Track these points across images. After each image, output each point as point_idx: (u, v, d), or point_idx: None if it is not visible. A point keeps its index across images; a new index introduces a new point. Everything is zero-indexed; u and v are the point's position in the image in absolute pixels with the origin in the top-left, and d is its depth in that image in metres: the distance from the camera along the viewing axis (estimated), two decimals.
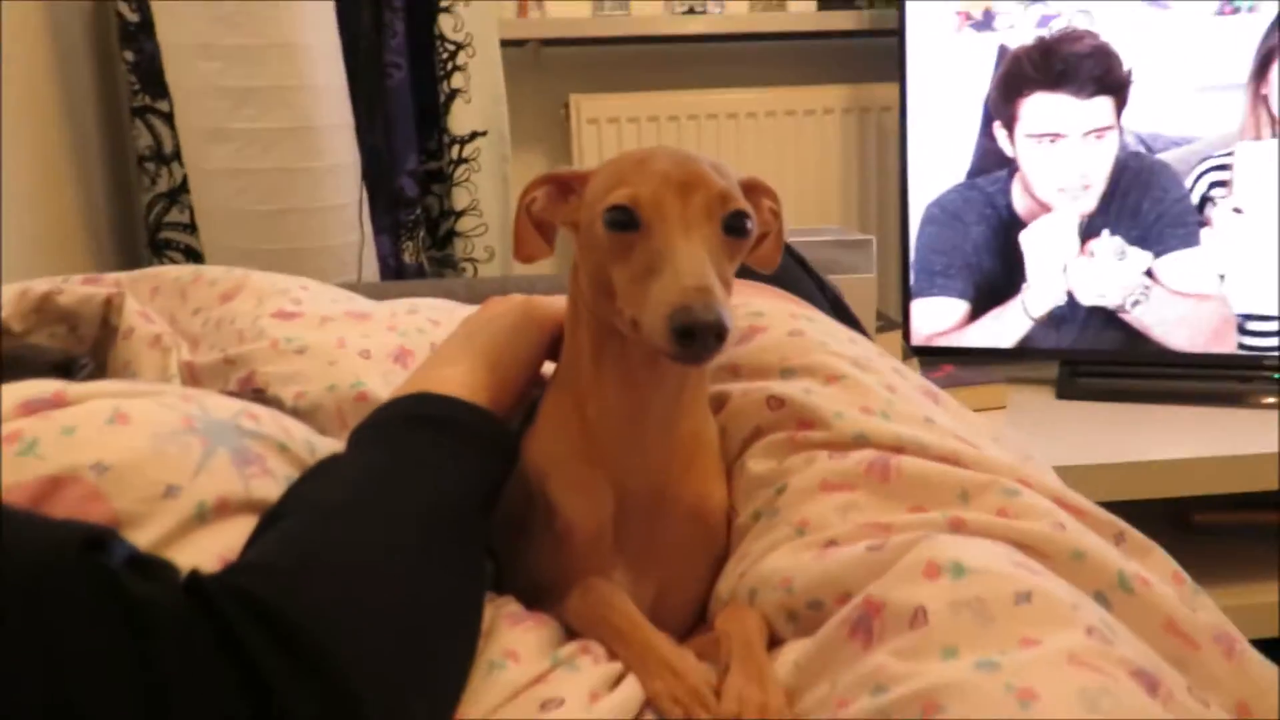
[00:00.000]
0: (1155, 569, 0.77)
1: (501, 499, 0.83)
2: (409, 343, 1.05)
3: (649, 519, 0.83)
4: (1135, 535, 0.80)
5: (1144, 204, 2.18)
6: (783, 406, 0.87)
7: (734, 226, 0.76)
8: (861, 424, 0.84)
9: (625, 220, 0.75)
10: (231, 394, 0.92)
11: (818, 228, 2.20)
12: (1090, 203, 2.19)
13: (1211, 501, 2.09)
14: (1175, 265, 2.19)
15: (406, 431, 0.78)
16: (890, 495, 0.80)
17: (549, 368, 0.93)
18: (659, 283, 0.70)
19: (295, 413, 0.99)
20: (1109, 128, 2.17)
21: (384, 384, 0.98)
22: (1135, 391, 2.22)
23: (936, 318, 2.30)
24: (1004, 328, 2.28)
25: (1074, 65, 2.17)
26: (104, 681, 0.51)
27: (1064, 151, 2.19)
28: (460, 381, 0.83)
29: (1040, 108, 2.19)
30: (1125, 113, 2.16)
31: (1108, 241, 2.20)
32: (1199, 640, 0.71)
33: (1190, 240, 2.17)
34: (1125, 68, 2.15)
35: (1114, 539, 0.79)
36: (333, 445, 0.83)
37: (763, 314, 0.97)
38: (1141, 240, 2.19)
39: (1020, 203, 2.23)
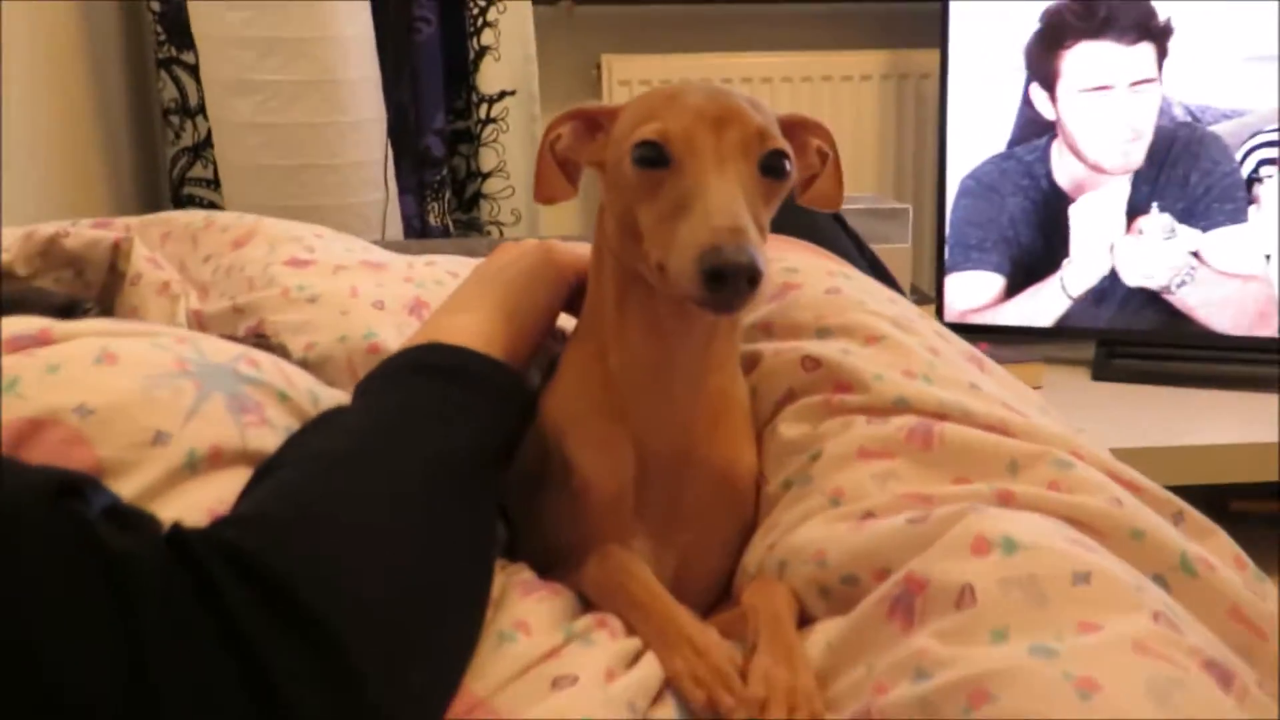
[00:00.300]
0: (1217, 552, 0.70)
1: (516, 457, 0.77)
2: (426, 294, 1.00)
3: (673, 482, 0.77)
4: (1195, 515, 0.74)
5: (1192, 176, 2.10)
6: (818, 367, 0.81)
7: (771, 166, 0.70)
8: (902, 388, 0.78)
9: (654, 156, 0.69)
10: (234, 340, 0.86)
11: (852, 195, 2.13)
12: (1139, 156, 2.11)
13: (1250, 489, 2.01)
14: (1221, 244, 2.10)
15: (415, 381, 0.72)
16: (933, 464, 0.73)
17: (568, 322, 0.87)
18: (688, 223, 0.65)
19: (305, 364, 0.93)
20: (1152, 80, 2.08)
21: (398, 336, 0.93)
22: (1173, 374, 2.15)
23: (971, 293, 2.22)
24: (1041, 305, 2.20)
25: (1115, 12, 2.08)
26: (78, 638, 0.46)
27: (1111, 104, 2.11)
28: (473, 330, 0.78)
29: (1084, 59, 2.10)
30: (1172, 80, 2.07)
31: (1157, 219, 2.12)
32: (1266, 629, 0.65)
33: (1238, 217, 2.09)
34: (1164, 17, 2.06)
35: (1173, 518, 0.73)
36: (338, 397, 0.77)
37: (797, 270, 0.91)
38: (1189, 215, 2.11)
39: (1062, 172, 2.15)
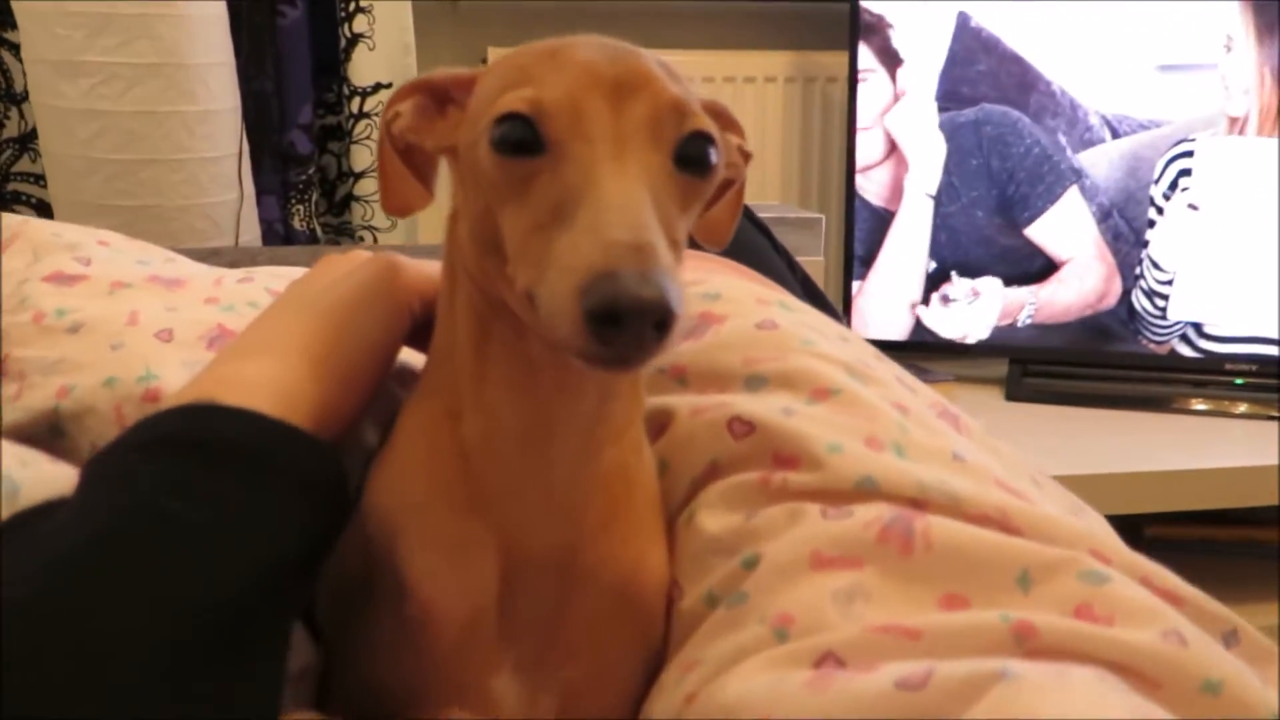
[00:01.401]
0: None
1: (332, 561, 0.52)
2: (234, 320, 0.74)
3: (552, 597, 0.54)
4: (1250, 633, 0.53)
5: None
6: (751, 433, 0.58)
7: (692, 156, 0.48)
8: (868, 463, 0.55)
9: (523, 138, 0.46)
10: None
11: (760, 203, 1.91)
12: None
13: (1168, 515, 1.85)
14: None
15: (166, 468, 0.47)
16: (916, 577, 0.51)
17: (414, 357, 0.62)
18: (569, 235, 0.42)
19: (57, 415, 0.67)
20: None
21: (185, 377, 0.67)
22: (1089, 395, 1.98)
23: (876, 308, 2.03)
24: (951, 320, 2.02)
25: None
26: None
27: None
28: (268, 382, 0.53)
29: None
30: (1087, 89, 1.90)
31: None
32: None
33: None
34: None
35: (1224, 639, 0.52)
36: (58, 481, 0.51)
37: (720, 296, 0.67)
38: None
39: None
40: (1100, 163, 1.92)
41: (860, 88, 1.95)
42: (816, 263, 1.68)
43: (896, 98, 1.95)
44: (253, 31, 1.84)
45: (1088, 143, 1.92)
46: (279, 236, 1.94)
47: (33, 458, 0.55)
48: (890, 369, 0.67)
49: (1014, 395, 2.01)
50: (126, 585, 0.41)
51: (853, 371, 0.62)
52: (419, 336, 0.61)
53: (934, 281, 2.00)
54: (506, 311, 0.51)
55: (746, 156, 0.58)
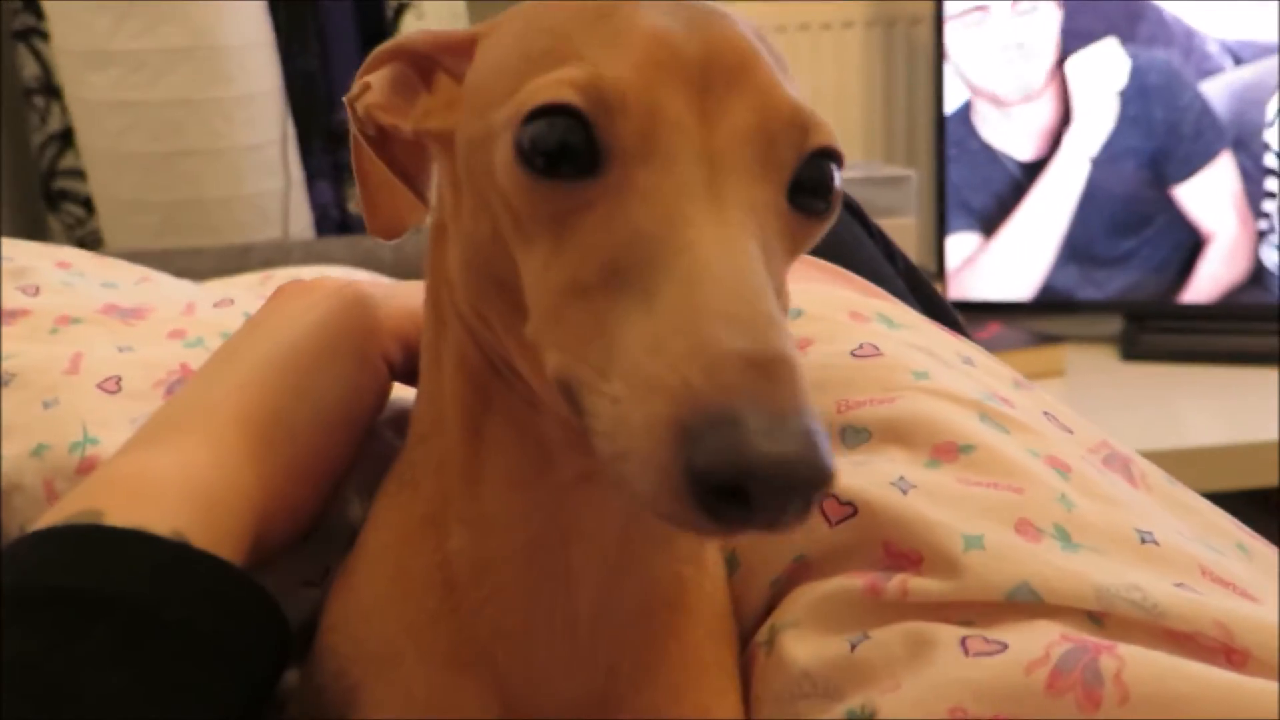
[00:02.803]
0: None
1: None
2: (199, 359, 0.58)
3: None
4: None
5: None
6: (853, 516, 0.40)
7: (811, 186, 0.32)
8: (1023, 563, 0.38)
9: (569, 146, 0.30)
10: None
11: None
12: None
13: None
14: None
15: (25, 630, 0.32)
16: None
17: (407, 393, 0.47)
18: (647, 322, 0.27)
19: None
20: None
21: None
22: (1214, 352, 1.74)
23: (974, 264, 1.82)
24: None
25: None
26: None
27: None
28: (186, 475, 0.38)
29: None
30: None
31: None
32: None
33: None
34: None
35: None
36: None
37: (803, 313, 0.50)
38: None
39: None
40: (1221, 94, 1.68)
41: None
42: (908, 225, 1.49)
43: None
44: (292, 7, 1.70)
45: (1206, 72, 1.68)
46: (334, 223, 1.80)
47: None
48: (1034, 399, 0.49)
49: (1131, 354, 1.79)
50: None
51: (986, 414, 0.44)
52: (413, 376, 0.45)
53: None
54: (512, 375, 0.34)
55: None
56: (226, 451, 0.40)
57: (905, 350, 0.47)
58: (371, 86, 0.40)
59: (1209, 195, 1.71)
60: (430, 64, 0.39)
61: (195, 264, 1.28)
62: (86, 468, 0.52)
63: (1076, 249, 1.77)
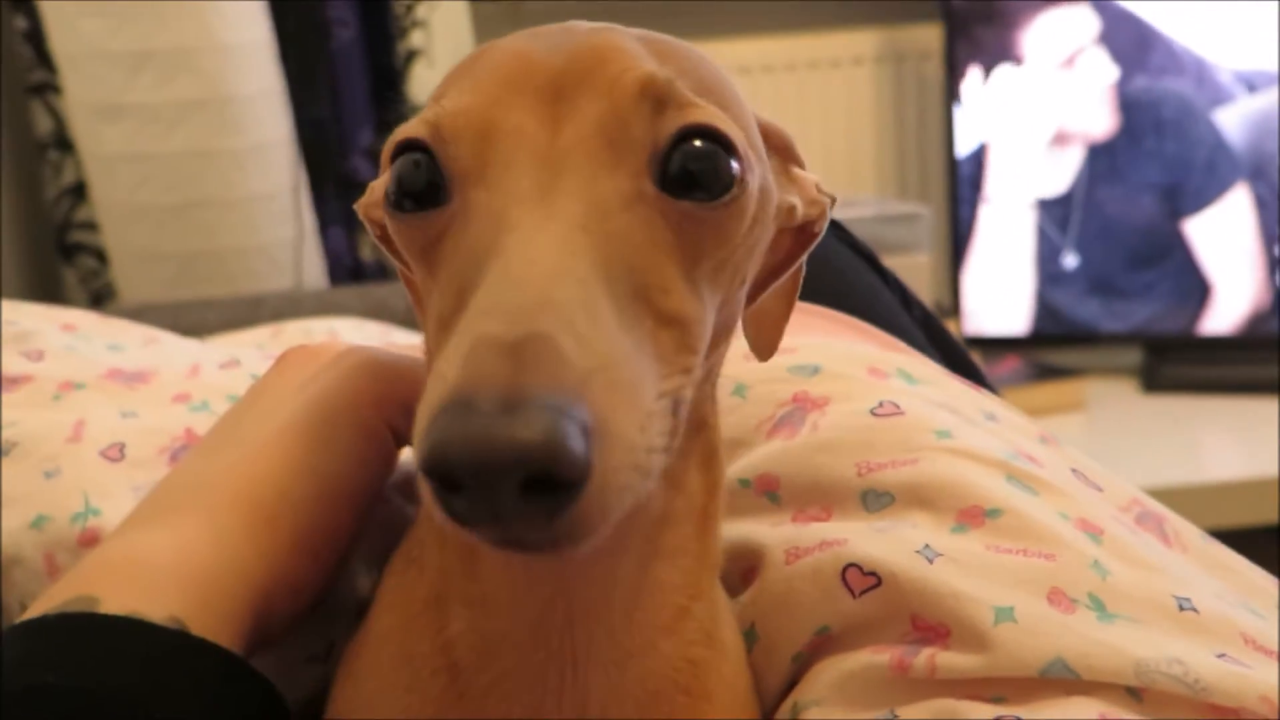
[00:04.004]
0: None
1: None
2: (204, 423, 0.57)
3: None
4: None
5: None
6: (877, 587, 0.39)
7: (692, 172, 0.30)
8: (1057, 636, 0.36)
9: (424, 181, 0.31)
10: None
11: (855, 197, 1.70)
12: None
13: None
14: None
15: None
16: None
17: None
18: (449, 341, 0.27)
19: None
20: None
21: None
22: (1238, 382, 1.72)
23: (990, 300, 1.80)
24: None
25: None
26: None
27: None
28: (183, 557, 0.37)
29: None
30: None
31: None
32: None
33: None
34: None
35: None
36: None
37: (820, 370, 0.48)
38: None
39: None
40: (1234, 123, 1.67)
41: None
42: (921, 262, 1.47)
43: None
44: (302, 56, 1.70)
45: (1219, 102, 1.67)
46: (347, 269, 1.80)
47: None
48: (1061, 455, 0.47)
49: (1152, 386, 1.76)
50: None
51: (1013, 474, 0.43)
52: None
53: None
54: None
55: (816, 209, 0.38)
56: (226, 530, 0.38)
57: (927, 408, 0.45)
58: (373, 188, 0.39)
59: (1226, 225, 1.69)
60: None
61: (207, 316, 1.27)
62: (88, 539, 0.51)
63: (1095, 281, 1.75)
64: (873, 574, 0.39)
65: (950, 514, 0.40)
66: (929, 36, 1.89)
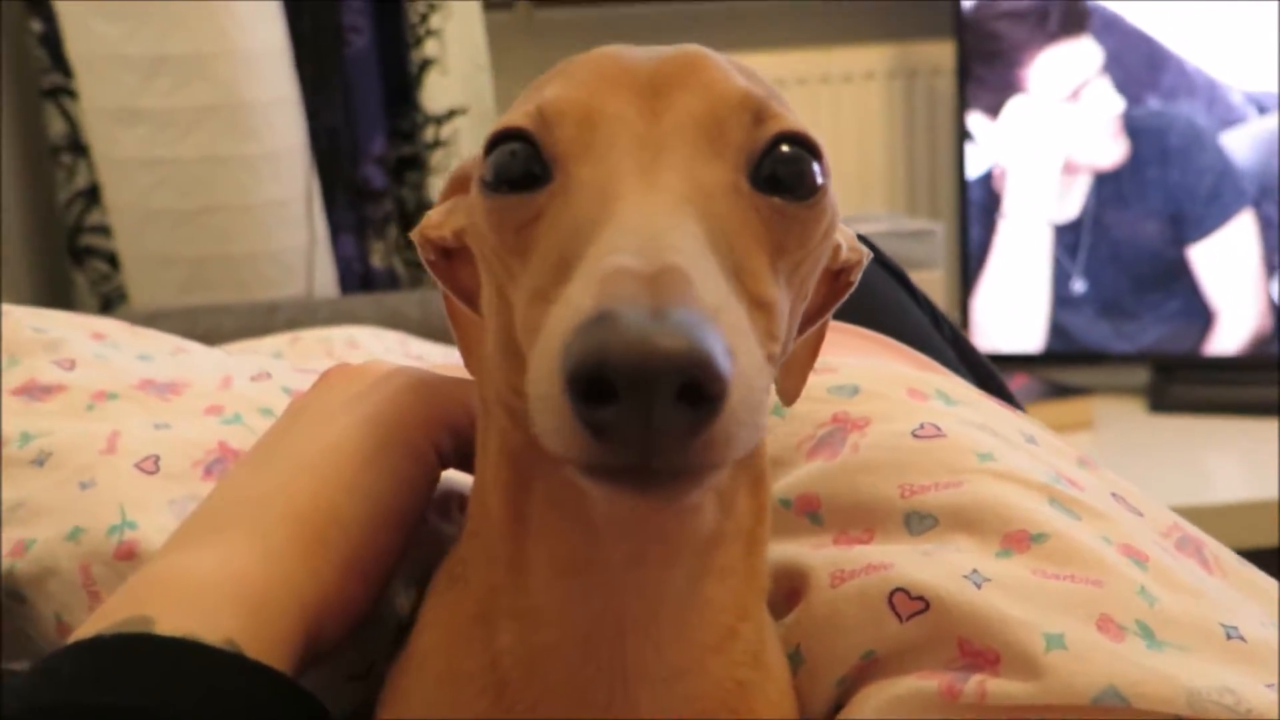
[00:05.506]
0: None
1: None
2: (238, 437, 0.57)
3: None
4: None
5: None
6: (925, 611, 0.39)
7: (781, 176, 0.32)
8: (1109, 663, 0.36)
9: (522, 168, 0.31)
10: None
11: (867, 213, 1.70)
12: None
13: None
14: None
15: None
16: None
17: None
18: (572, 286, 0.27)
19: (13, 578, 0.52)
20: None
21: (171, 523, 0.51)
22: (1246, 403, 1.72)
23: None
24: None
25: None
26: None
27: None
28: (234, 576, 0.37)
29: None
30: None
31: None
32: None
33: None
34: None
35: None
36: None
37: (860, 390, 0.48)
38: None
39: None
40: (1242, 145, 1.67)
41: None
42: (935, 279, 1.47)
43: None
44: (317, 63, 1.70)
45: (1229, 123, 1.67)
46: (357, 277, 1.80)
47: None
48: (1100, 479, 0.47)
49: (1159, 406, 1.76)
50: None
51: (1056, 498, 0.43)
52: (463, 463, 0.44)
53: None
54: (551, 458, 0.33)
55: (865, 252, 0.40)
56: (278, 550, 0.38)
57: (967, 430, 0.46)
58: (440, 225, 0.39)
59: (1230, 250, 1.70)
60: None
61: (221, 322, 1.27)
62: (125, 553, 0.51)
63: (1104, 304, 1.76)
64: (920, 598, 0.39)
65: (995, 538, 0.41)
66: (941, 52, 1.90)
